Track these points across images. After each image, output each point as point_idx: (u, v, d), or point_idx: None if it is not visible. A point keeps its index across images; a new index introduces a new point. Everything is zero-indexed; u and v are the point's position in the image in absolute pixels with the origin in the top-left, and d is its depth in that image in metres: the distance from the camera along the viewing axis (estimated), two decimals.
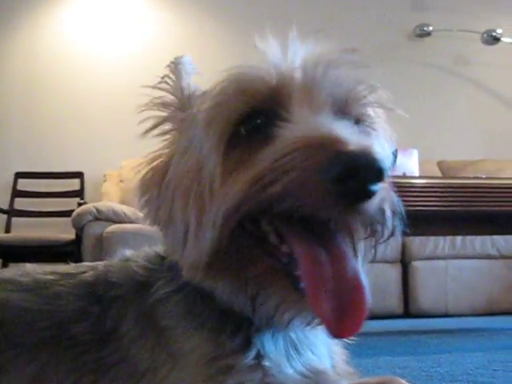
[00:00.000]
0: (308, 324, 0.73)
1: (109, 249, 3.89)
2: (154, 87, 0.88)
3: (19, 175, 5.35)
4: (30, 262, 3.52)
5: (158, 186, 0.81)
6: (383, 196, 0.66)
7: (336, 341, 0.88)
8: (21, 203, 5.25)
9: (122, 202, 4.87)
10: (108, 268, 0.92)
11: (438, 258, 4.75)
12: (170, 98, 0.87)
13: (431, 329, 3.30)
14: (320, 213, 0.64)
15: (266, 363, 0.76)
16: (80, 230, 4.17)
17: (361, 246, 0.74)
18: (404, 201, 2.50)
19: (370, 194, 0.62)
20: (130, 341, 0.82)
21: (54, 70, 5.52)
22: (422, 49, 5.94)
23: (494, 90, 6.03)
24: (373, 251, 0.75)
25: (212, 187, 0.70)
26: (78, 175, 5.42)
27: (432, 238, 4.62)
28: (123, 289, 0.87)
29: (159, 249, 0.89)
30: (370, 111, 0.79)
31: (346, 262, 0.67)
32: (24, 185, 5.31)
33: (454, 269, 4.72)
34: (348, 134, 0.64)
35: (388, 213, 0.69)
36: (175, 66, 0.88)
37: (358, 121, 0.77)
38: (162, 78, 0.89)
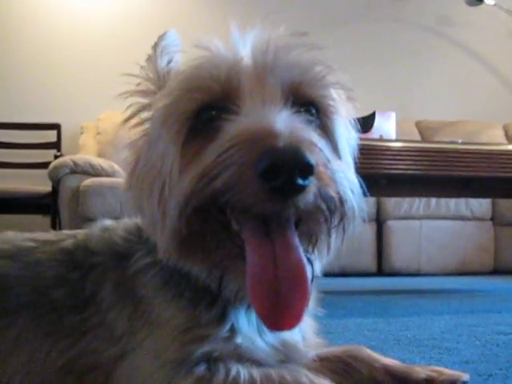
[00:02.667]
0: None
1: (85, 202, 3.90)
2: (132, 75, 0.88)
3: None
4: (5, 213, 3.54)
5: (131, 177, 0.82)
6: (321, 186, 0.66)
7: (307, 314, 0.91)
8: None
9: (99, 155, 4.84)
10: (88, 237, 0.93)
11: (413, 217, 4.82)
12: (147, 85, 0.87)
13: (403, 288, 3.37)
14: (256, 207, 0.65)
15: (239, 336, 0.78)
16: (56, 183, 4.16)
17: (318, 232, 0.75)
18: (380, 163, 2.53)
19: (298, 189, 0.63)
20: (108, 306, 0.83)
21: (30, 19, 5.39)
22: (405, 8, 5.89)
23: (476, 52, 6.03)
24: (333, 236, 0.76)
25: (171, 180, 0.73)
26: (55, 127, 5.34)
27: (407, 199, 4.68)
28: (102, 257, 0.88)
29: (138, 220, 0.89)
30: (330, 92, 0.79)
31: (289, 255, 0.68)
32: (0, 135, 5.23)
33: (428, 229, 4.80)
34: (285, 128, 0.65)
35: (331, 202, 0.70)
36: (155, 48, 0.88)
37: (315, 103, 0.77)
38: (142, 67, 0.88)
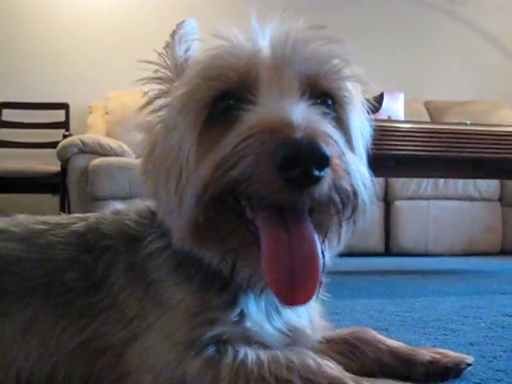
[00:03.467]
0: None
1: (94, 181, 3.92)
2: (150, 62, 0.88)
3: (3, 105, 5.28)
4: (15, 193, 3.57)
5: (147, 161, 0.83)
6: (336, 178, 0.68)
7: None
8: (5, 134, 5.21)
9: (108, 135, 4.85)
10: (99, 220, 0.94)
11: (421, 198, 4.81)
12: (165, 72, 0.87)
13: (410, 269, 3.38)
14: (272, 196, 0.66)
15: (248, 320, 0.80)
16: (65, 163, 4.17)
17: (330, 223, 0.77)
18: (388, 144, 2.53)
19: (314, 180, 0.64)
20: (120, 289, 0.85)
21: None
22: None
23: (486, 31, 5.97)
24: (344, 228, 0.77)
25: (188, 168, 0.74)
26: (63, 106, 5.36)
27: (415, 179, 4.68)
28: (114, 240, 0.89)
29: (150, 203, 0.90)
30: (346, 84, 0.80)
31: (304, 240, 0.69)
32: (8, 115, 5.25)
33: (435, 209, 4.80)
34: (302, 119, 0.65)
35: (344, 194, 0.71)
36: (173, 36, 0.89)
37: (331, 95, 0.78)
38: (160, 54, 0.89)
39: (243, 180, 0.66)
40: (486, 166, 2.98)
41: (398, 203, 4.80)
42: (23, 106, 5.27)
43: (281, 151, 0.63)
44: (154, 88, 0.87)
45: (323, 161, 0.64)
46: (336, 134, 0.71)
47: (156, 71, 0.88)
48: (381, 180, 4.69)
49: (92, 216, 0.96)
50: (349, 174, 0.70)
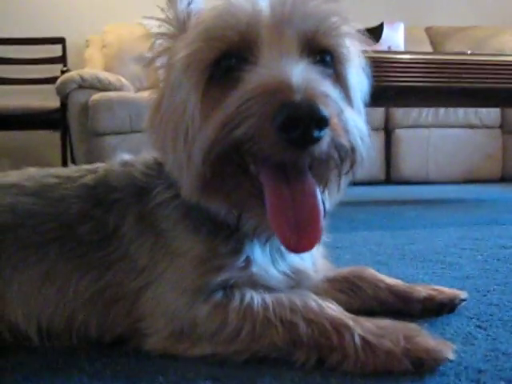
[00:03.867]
0: None
1: (94, 117, 3.93)
2: (152, 18, 0.89)
3: None
4: (15, 130, 3.58)
5: (154, 116, 0.85)
6: (334, 136, 0.70)
7: None
8: (2, 70, 5.16)
9: (106, 69, 4.81)
10: (108, 172, 0.96)
11: (421, 126, 4.82)
12: (167, 27, 0.88)
13: (410, 198, 3.43)
14: (274, 156, 0.70)
15: (254, 266, 0.84)
16: (65, 98, 4.17)
17: (329, 176, 0.80)
18: (389, 76, 2.52)
19: (314, 140, 0.67)
20: (131, 240, 0.89)
21: None
22: None
23: None
24: (343, 179, 0.81)
25: (194, 126, 0.77)
26: (60, 41, 5.28)
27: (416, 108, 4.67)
28: (123, 192, 0.91)
29: (157, 155, 0.93)
30: (344, 41, 0.81)
31: (305, 193, 0.74)
32: (4, 51, 5.18)
33: (436, 137, 4.81)
34: (301, 81, 0.68)
35: (342, 150, 0.74)
36: None
37: (330, 51, 0.80)
38: (162, 9, 0.89)
39: (247, 139, 0.69)
40: (487, 96, 2.98)
41: (398, 132, 4.81)
42: (19, 42, 5.20)
43: (281, 113, 0.65)
44: (159, 44, 0.88)
45: (322, 122, 0.66)
46: (334, 92, 0.73)
47: (159, 26, 0.89)
48: (381, 109, 4.68)
49: (101, 168, 0.98)
50: (347, 131, 0.73)
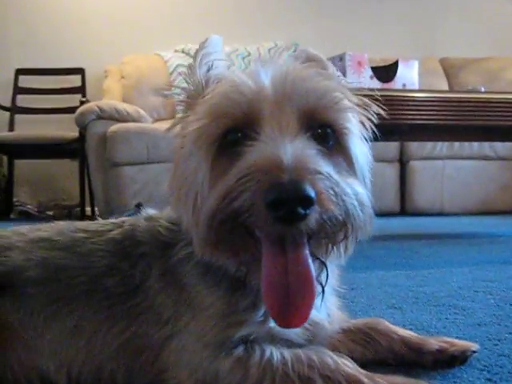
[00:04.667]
0: None
1: (112, 147, 4.00)
2: (175, 87, 0.96)
3: (20, 72, 5.34)
4: (35, 159, 3.68)
5: (172, 180, 0.91)
6: (323, 211, 0.74)
7: (331, 291, 1.01)
8: (23, 100, 5.29)
9: (124, 99, 4.91)
10: (134, 227, 1.01)
11: (436, 158, 4.85)
12: (189, 87, 0.94)
13: (425, 232, 3.45)
14: (266, 229, 0.75)
15: (271, 320, 0.87)
16: (83, 129, 4.25)
17: (329, 244, 0.84)
18: (403, 113, 2.56)
19: (299, 218, 0.72)
20: (156, 293, 0.94)
21: None
22: None
23: None
24: (343, 245, 0.85)
25: (202, 193, 0.83)
26: (79, 71, 5.42)
27: None
28: (149, 247, 0.97)
29: (175, 214, 0.98)
30: (344, 115, 0.86)
31: (299, 266, 0.77)
32: (25, 82, 5.32)
33: (451, 169, 4.84)
34: (292, 160, 0.73)
35: (333, 223, 0.77)
36: (195, 57, 0.95)
37: (330, 125, 0.85)
38: (183, 75, 0.95)
39: (243, 211, 0.75)
40: (501, 132, 3.01)
41: (413, 163, 4.85)
42: (39, 72, 5.34)
43: (270, 194, 0.71)
44: (178, 114, 0.95)
45: (307, 201, 0.71)
46: (328, 167, 0.78)
47: (179, 94, 0.95)
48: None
49: (126, 222, 1.03)
50: (339, 204, 0.77)
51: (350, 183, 0.81)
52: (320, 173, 0.75)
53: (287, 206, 0.71)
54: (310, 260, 0.79)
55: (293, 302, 0.77)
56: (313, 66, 0.91)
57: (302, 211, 0.71)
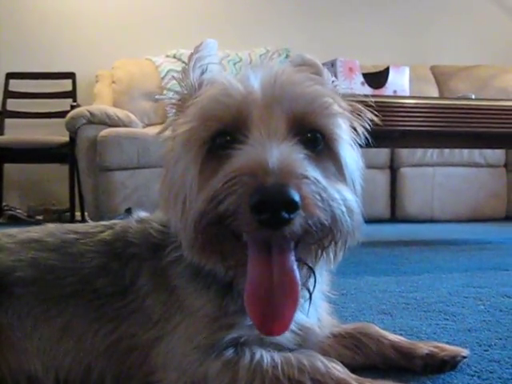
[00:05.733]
0: None
1: (103, 152, 3.98)
2: (169, 90, 0.95)
3: (10, 76, 5.32)
4: (25, 163, 3.66)
5: (162, 183, 0.90)
6: (308, 216, 0.73)
7: (322, 296, 1.01)
8: (13, 104, 5.26)
9: (115, 104, 4.89)
10: (125, 228, 1.01)
11: (427, 165, 4.87)
12: (182, 91, 0.94)
13: (415, 238, 3.45)
14: (250, 232, 0.75)
15: None
16: (74, 133, 4.23)
17: (317, 250, 0.83)
18: (394, 119, 2.57)
19: (283, 222, 0.71)
20: (146, 294, 0.93)
21: None
22: None
23: None
24: (332, 251, 0.83)
25: (191, 196, 0.82)
26: (70, 76, 5.40)
27: None
28: (140, 248, 0.96)
29: (164, 216, 0.97)
30: (333, 120, 0.85)
31: (284, 273, 0.77)
32: (15, 86, 5.29)
33: (441, 176, 4.86)
34: (278, 164, 0.72)
35: (319, 228, 0.76)
36: (189, 60, 0.95)
37: (320, 130, 0.84)
38: (176, 79, 0.95)
39: (229, 214, 0.74)
40: (490, 139, 3.03)
41: (403, 170, 4.86)
42: (30, 76, 5.31)
43: (254, 197, 0.70)
44: (170, 117, 0.94)
45: (291, 206, 0.71)
46: (315, 172, 0.77)
47: (171, 98, 0.95)
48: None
49: (118, 224, 1.03)
50: (325, 209, 0.76)
51: (338, 189, 0.80)
52: (306, 177, 0.74)
53: (271, 209, 0.70)
54: (295, 266, 0.78)
55: (276, 309, 0.76)
56: (304, 70, 0.91)
57: (286, 215, 0.71)
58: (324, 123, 0.84)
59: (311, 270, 0.84)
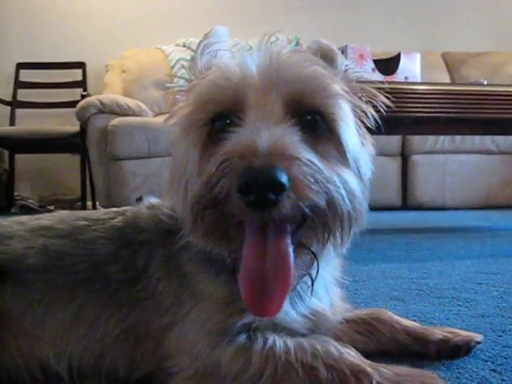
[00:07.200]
0: None
1: (113, 141, 3.98)
2: (178, 77, 0.95)
3: (21, 66, 5.33)
4: (36, 153, 3.68)
5: (169, 169, 0.91)
6: (299, 198, 0.72)
7: (334, 281, 1.00)
8: (24, 94, 5.28)
9: (125, 93, 4.89)
10: (136, 215, 1.01)
11: (438, 152, 4.85)
12: (190, 78, 0.93)
13: (427, 226, 3.44)
14: (240, 214, 0.74)
15: None
16: (84, 123, 4.23)
17: (318, 234, 0.81)
18: (405, 106, 2.55)
19: (270, 203, 0.70)
20: (157, 280, 0.93)
21: None
22: None
23: None
24: (335, 242, 0.82)
25: (192, 179, 0.82)
26: (80, 65, 5.41)
27: None
28: (151, 234, 0.96)
29: (171, 202, 0.97)
30: (333, 101, 0.84)
31: (278, 255, 0.76)
32: (26, 76, 5.31)
33: (452, 163, 4.83)
34: (267, 146, 0.71)
35: (315, 210, 0.74)
36: (197, 47, 0.94)
37: (319, 111, 0.82)
38: (184, 67, 0.94)
39: (222, 197, 0.74)
40: (503, 125, 3.00)
41: (415, 157, 4.84)
42: (40, 66, 5.32)
43: (241, 178, 0.70)
44: (178, 102, 0.94)
45: (277, 187, 0.70)
46: (309, 154, 0.75)
47: (180, 85, 0.95)
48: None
49: (129, 210, 1.03)
50: (323, 190, 0.75)
51: (338, 171, 0.79)
52: (297, 158, 0.73)
53: (257, 190, 0.69)
54: (290, 250, 0.77)
55: (266, 292, 0.75)
56: (301, 51, 0.90)
57: (272, 196, 0.70)
58: (322, 103, 0.83)
59: (314, 255, 0.82)
